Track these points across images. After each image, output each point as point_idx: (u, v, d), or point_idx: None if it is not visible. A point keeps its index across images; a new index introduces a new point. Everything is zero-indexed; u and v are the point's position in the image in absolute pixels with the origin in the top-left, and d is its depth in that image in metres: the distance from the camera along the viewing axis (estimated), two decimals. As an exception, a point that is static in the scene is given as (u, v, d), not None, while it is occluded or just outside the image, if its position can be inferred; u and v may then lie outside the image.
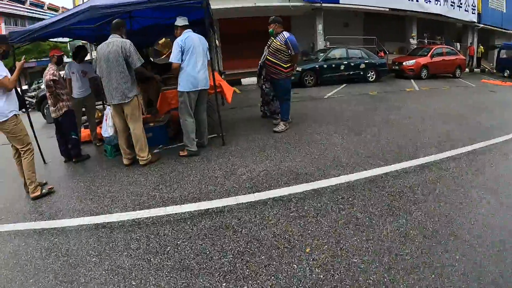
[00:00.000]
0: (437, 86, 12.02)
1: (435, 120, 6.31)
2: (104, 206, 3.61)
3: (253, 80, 14.24)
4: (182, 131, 4.94)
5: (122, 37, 4.56)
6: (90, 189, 4.15)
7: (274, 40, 5.63)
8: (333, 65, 12.63)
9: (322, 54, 13.33)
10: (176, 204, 3.47)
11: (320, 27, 16.33)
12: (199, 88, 4.81)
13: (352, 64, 12.86)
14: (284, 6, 15.10)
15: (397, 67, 14.81)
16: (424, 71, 14.39)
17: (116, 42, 4.38)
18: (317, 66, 12.45)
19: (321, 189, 3.49)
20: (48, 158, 5.64)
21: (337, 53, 13.24)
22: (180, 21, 4.83)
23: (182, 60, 4.70)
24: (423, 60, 14.43)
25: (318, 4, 15.60)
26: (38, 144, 5.43)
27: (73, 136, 5.30)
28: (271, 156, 4.62)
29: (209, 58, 5.03)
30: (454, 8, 20.18)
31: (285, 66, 5.63)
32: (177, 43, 4.65)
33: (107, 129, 5.20)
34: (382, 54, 16.76)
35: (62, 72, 5.80)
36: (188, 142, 4.94)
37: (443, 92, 10.58)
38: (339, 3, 16.09)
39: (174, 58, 4.67)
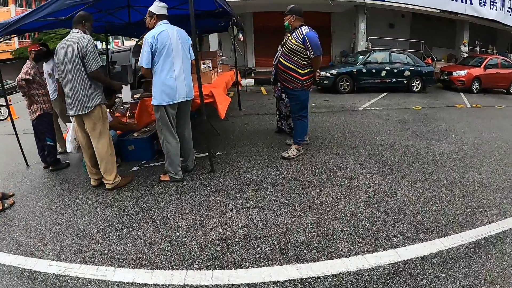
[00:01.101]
0: (490, 104, 9.98)
1: (493, 157, 4.71)
2: (42, 244, 2.84)
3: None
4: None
5: (85, 33, 3.58)
6: (43, 214, 3.40)
7: (290, 37, 4.29)
8: (373, 70, 10.90)
9: (362, 56, 11.61)
10: (110, 265, 2.47)
11: (362, 26, 14.61)
12: (178, 101, 3.70)
13: (395, 70, 11.05)
14: (323, 1, 13.54)
15: (445, 77, 12.71)
16: (476, 84, 12.20)
17: (73, 38, 3.43)
18: (354, 70, 10.80)
19: (315, 282, 2.19)
20: (34, 160, 5.03)
21: (379, 56, 11.48)
22: (157, 7, 3.67)
23: (153, 64, 3.59)
24: (475, 72, 12.22)
25: (361, 1, 13.86)
26: (20, 146, 4.88)
27: (48, 143, 4.58)
28: (264, 201, 3.38)
29: (192, 58, 3.90)
30: (511, 15, 17.46)
31: (302, 72, 4.28)
32: (146, 40, 3.53)
33: (67, 144, 4.21)
34: (429, 60, 14.69)
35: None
36: (172, 168, 3.90)
37: (498, 113, 8.62)
38: (384, 1, 14.25)
39: (143, 60, 3.57)
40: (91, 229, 2.99)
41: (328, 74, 10.50)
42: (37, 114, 4.47)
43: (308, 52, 4.15)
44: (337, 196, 3.44)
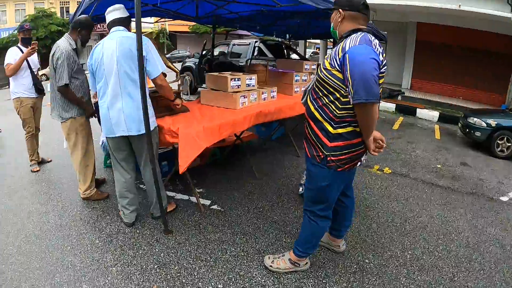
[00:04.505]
0: None
1: None
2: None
3: (433, 115, 9.58)
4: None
5: (76, 42, 3.27)
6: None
7: (326, 56, 2.14)
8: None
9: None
10: None
11: None
12: (116, 135, 2.74)
13: None
14: (500, 16, 8.88)
15: None
16: None
17: (56, 44, 3.18)
18: (524, 125, 6.52)
19: None
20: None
21: None
22: (109, 14, 2.77)
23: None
24: None
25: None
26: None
27: None
28: None
29: (154, 76, 2.69)
30: None
31: (333, 131, 2.05)
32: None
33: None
34: None
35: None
36: (120, 207, 3.13)
37: None
38: None
39: (90, 84, 3.02)
40: None
41: (483, 124, 6.68)
42: None
43: (347, 88, 1.91)
44: None
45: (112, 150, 2.89)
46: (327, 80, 2.02)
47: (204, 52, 9.95)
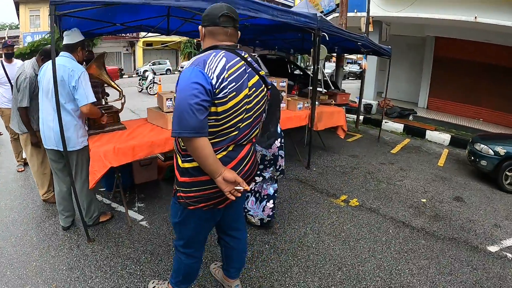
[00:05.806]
0: None
1: None
2: None
3: (444, 138, 8.61)
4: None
5: (38, 67, 3.44)
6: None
7: None
8: None
9: None
10: None
11: None
12: (48, 147, 3.01)
13: None
14: None
15: None
16: None
17: (23, 66, 3.51)
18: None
19: None
20: None
21: None
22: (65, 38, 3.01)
23: None
24: None
25: None
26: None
27: None
28: None
29: (80, 105, 2.86)
30: None
31: (181, 165, 1.80)
32: None
33: None
34: None
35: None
36: (58, 211, 3.34)
37: None
38: None
39: None
40: None
41: (491, 151, 5.62)
42: None
43: None
44: None
45: (49, 159, 3.09)
46: None
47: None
